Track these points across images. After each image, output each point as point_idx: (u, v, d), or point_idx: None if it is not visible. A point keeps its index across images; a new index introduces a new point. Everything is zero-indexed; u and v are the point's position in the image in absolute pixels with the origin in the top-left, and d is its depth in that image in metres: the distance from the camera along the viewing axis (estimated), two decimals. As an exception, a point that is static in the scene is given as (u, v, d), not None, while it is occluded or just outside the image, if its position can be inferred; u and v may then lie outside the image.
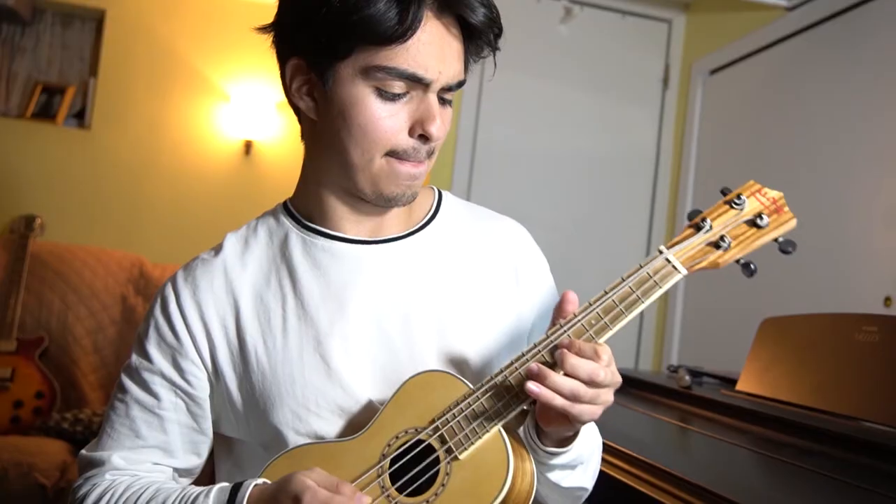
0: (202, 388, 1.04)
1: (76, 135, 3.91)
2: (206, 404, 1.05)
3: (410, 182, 1.00)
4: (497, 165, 3.63)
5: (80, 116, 3.98)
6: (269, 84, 4.00)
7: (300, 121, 1.09)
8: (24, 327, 3.08)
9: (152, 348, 1.04)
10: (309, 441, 0.98)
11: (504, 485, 0.87)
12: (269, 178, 4.05)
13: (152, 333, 1.05)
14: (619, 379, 0.89)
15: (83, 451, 1.06)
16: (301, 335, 1.02)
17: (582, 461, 0.98)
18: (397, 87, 0.94)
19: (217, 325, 1.03)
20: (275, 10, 1.06)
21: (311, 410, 0.99)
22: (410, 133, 0.97)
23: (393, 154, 0.98)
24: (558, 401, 0.85)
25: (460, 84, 1.00)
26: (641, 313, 2.96)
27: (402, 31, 0.90)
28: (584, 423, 0.88)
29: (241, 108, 3.97)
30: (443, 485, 0.89)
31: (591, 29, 3.71)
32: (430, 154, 1.00)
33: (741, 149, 3.23)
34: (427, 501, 0.89)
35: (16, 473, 2.48)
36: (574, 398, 0.85)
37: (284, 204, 1.12)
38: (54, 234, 3.57)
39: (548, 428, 0.92)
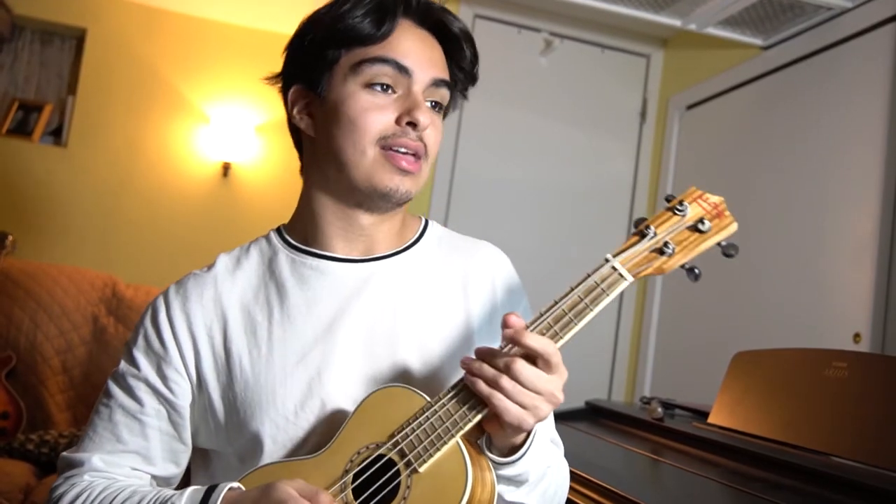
0: (184, 396, 1.05)
1: (52, 152, 3.88)
2: (186, 413, 1.06)
3: (403, 177, 1.04)
4: (475, 194, 3.65)
5: (56, 134, 3.95)
6: (248, 107, 4.01)
7: (301, 153, 1.17)
8: (-8, 346, 3.03)
9: (139, 355, 1.06)
10: (276, 460, 1.00)
11: (464, 494, 0.88)
12: (247, 201, 4.04)
13: (140, 341, 1.07)
14: (548, 387, 0.88)
15: (64, 453, 1.08)
16: (286, 347, 1.04)
17: (527, 479, 0.98)
18: (383, 77, 1.03)
19: (204, 336, 1.06)
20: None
21: (290, 420, 1.01)
22: (398, 122, 1.03)
23: (385, 143, 1.03)
24: (481, 386, 0.88)
25: (447, 84, 1.08)
26: (615, 343, 2.95)
27: (380, 33, 1.03)
28: (511, 424, 0.88)
29: (220, 130, 3.97)
30: (404, 498, 0.90)
31: (571, 61, 3.75)
32: (422, 153, 1.05)
33: (715, 183, 3.27)
34: None
35: (-23, 495, 2.43)
36: (495, 386, 0.87)
37: (278, 228, 1.17)
38: (27, 252, 3.54)
39: (491, 432, 0.93)
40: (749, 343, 2.00)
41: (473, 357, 0.91)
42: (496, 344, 0.94)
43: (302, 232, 1.13)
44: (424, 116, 1.03)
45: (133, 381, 1.05)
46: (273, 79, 1.15)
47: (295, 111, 1.11)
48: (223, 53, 4.02)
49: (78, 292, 3.20)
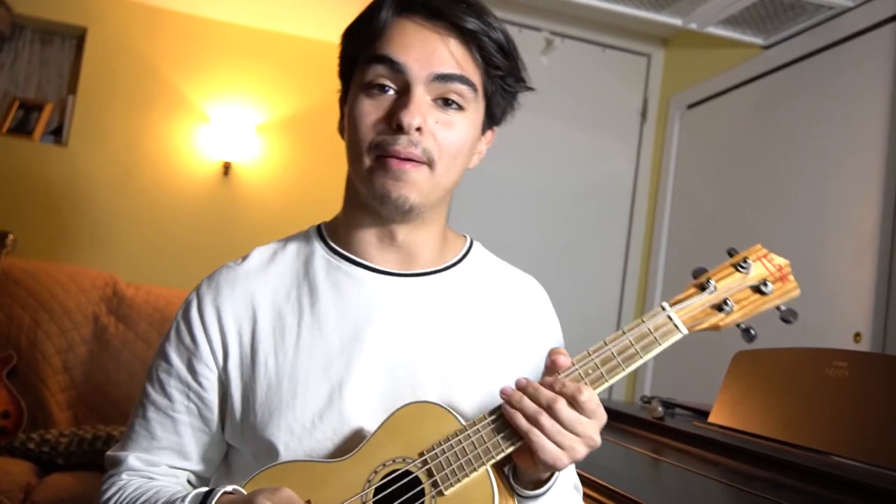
0: (213, 391, 1.05)
1: (53, 151, 3.88)
2: (216, 408, 1.06)
3: (396, 182, 0.98)
4: (475, 194, 3.64)
5: (57, 133, 3.96)
6: (249, 106, 4.01)
7: None
8: (-8, 345, 3.03)
9: (171, 351, 1.06)
10: (296, 458, 0.98)
11: None
12: (247, 200, 4.04)
13: (173, 336, 1.07)
14: (586, 431, 0.88)
15: (108, 452, 1.11)
16: (312, 353, 1.02)
17: None
18: (379, 78, 0.99)
19: (233, 331, 1.04)
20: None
21: (306, 428, 0.99)
22: (388, 125, 0.98)
23: (378, 150, 0.99)
24: (520, 420, 0.88)
25: (459, 79, 1.00)
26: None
27: (372, 26, 1.00)
28: (546, 462, 0.88)
29: (220, 130, 3.97)
30: None
31: (572, 61, 3.75)
32: (422, 160, 0.99)
33: (716, 182, 3.27)
34: None
35: (-22, 494, 2.42)
36: (534, 422, 0.87)
37: (319, 226, 1.14)
38: (28, 251, 3.54)
39: (521, 464, 0.92)
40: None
41: (514, 388, 0.90)
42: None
43: (340, 234, 1.10)
44: (410, 117, 0.96)
45: (164, 377, 1.05)
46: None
47: (340, 119, 1.10)
48: (224, 53, 4.02)
49: (79, 291, 3.20)
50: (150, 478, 1.06)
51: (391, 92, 1.00)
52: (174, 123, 4.00)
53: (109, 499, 1.03)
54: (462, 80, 1.00)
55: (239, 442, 1.05)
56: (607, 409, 2.09)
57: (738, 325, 0.94)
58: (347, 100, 1.05)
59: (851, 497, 1.31)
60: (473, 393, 1.04)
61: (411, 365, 1.03)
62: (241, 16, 3.99)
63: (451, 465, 0.90)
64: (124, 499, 1.01)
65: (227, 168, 4.00)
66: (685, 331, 0.92)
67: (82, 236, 3.86)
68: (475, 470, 0.89)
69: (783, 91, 2.98)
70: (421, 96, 0.98)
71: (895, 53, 2.47)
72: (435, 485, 0.90)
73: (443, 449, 0.91)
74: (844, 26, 2.69)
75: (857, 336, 2.43)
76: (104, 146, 3.91)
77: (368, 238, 1.07)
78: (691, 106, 3.57)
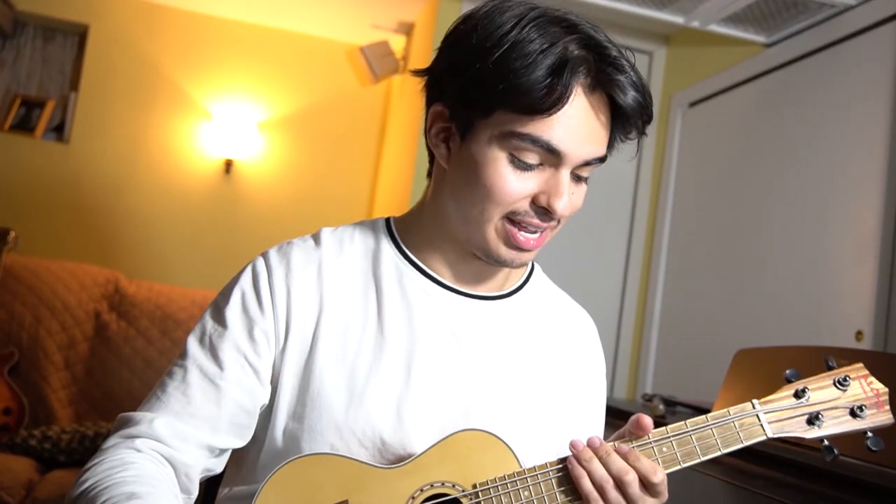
0: (267, 370, 0.98)
1: (55, 148, 3.89)
2: (269, 386, 0.99)
3: (520, 252, 0.98)
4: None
5: (59, 130, 3.96)
6: (251, 104, 4.01)
7: (431, 161, 1.07)
8: (-6, 342, 3.03)
9: (231, 315, 0.98)
10: (341, 453, 0.93)
11: None
12: (249, 198, 4.04)
13: (235, 302, 0.99)
14: None
15: (123, 414, 0.97)
16: (372, 362, 0.98)
17: None
18: (532, 157, 0.93)
19: (299, 315, 0.99)
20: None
21: (355, 435, 0.95)
22: (534, 201, 0.95)
23: (510, 218, 0.96)
24: (585, 482, 0.86)
25: (601, 160, 0.98)
26: (617, 340, 2.94)
27: (548, 105, 0.89)
28: None
29: (222, 127, 3.97)
30: None
31: (573, 59, 3.74)
32: (550, 228, 0.99)
33: (718, 180, 3.27)
34: None
35: (-20, 491, 2.43)
36: (600, 490, 0.86)
37: (387, 221, 1.10)
38: (29, 248, 3.54)
39: None
40: (751, 341, 2.00)
41: (584, 443, 0.89)
42: (576, 419, 0.94)
43: (414, 241, 1.06)
44: (562, 206, 0.94)
45: (218, 341, 0.97)
46: (420, 73, 1.04)
47: (433, 131, 1.01)
48: (226, 50, 4.02)
49: (80, 288, 3.20)
50: (169, 460, 0.93)
51: (538, 167, 0.94)
52: (176, 121, 4.00)
53: (95, 483, 0.86)
54: (601, 160, 0.98)
55: (282, 429, 0.99)
56: (608, 408, 2.10)
57: (820, 440, 0.93)
58: (471, 136, 0.96)
59: (853, 495, 1.31)
60: (525, 426, 1.02)
61: (466, 389, 1.00)
62: (243, 13, 3.99)
63: None
64: (111, 482, 0.85)
65: (228, 165, 4.01)
66: (771, 434, 0.91)
67: (84, 233, 3.87)
68: None
69: (785, 89, 2.98)
70: (568, 177, 0.95)
71: (897, 51, 2.47)
72: None
73: (498, 487, 0.89)
74: (846, 25, 2.69)
75: (859, 334, 2.43)
76: (106, 143, 3.92)
77: (446, 255, 1.04)
78: (693, 104, 3.57)
